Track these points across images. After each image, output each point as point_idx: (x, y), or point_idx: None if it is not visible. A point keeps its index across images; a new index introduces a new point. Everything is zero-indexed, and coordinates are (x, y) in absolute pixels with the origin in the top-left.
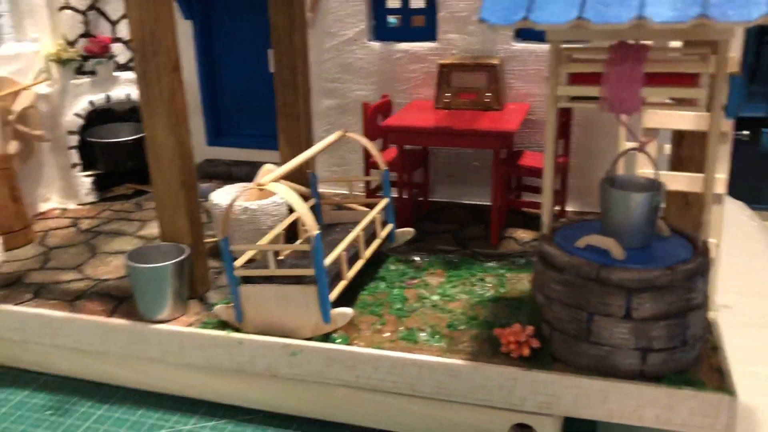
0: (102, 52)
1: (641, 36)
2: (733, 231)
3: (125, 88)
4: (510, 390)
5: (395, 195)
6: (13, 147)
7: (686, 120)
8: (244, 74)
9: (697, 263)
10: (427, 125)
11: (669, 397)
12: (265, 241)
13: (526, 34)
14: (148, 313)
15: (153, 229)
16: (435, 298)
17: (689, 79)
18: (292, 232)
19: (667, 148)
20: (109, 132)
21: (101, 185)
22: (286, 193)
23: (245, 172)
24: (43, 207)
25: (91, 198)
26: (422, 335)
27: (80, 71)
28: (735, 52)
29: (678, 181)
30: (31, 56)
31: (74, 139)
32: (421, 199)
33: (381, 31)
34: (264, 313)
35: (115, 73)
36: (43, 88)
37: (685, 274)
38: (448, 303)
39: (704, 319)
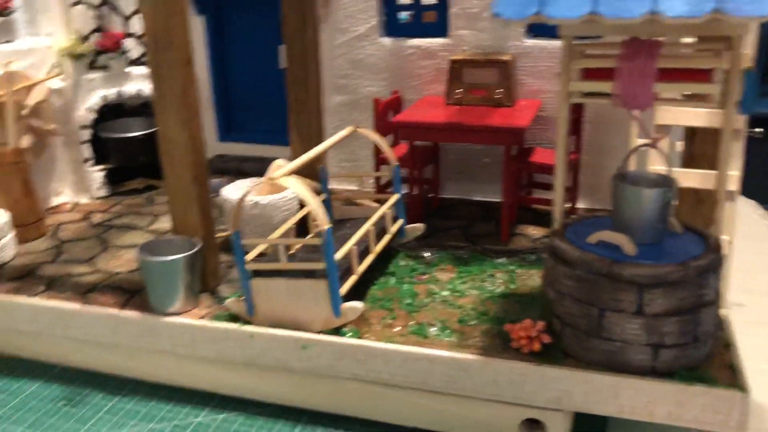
0: (114, 47)
1: (654, 31)
2: (745, 229)
3: (137, 83)
4: (520, 385)
5: (405, 191)
6: (26, 141)
7: (699, 116)
8: (255, 70)
9: (709, 259)
10: (437, 121)
11: (680, 393)
12: (276, 235)
13: (537, 29)
14: (160, 306)
15: (164, 223)
16: (445, 293)
17: (702, 75)
18: (302, 227)
19: (679, 144)
20: (121, 127)
21: (113, 180)
22: (298, 187)
23: (256, 168)
24: (56, 201)
25: (103, 192)
26: (433, 330)
27: (93, 66)
28: (749, 47)
29: (690, 178)
30: (45, 51)
31: (86, 134)
32: (431, 195)
33: (392, 27)
34: (275, 307)
35: (128, 68)
36: (56, 83)
37: (697, 270)
38: (458, 298)
39: (716, 315)
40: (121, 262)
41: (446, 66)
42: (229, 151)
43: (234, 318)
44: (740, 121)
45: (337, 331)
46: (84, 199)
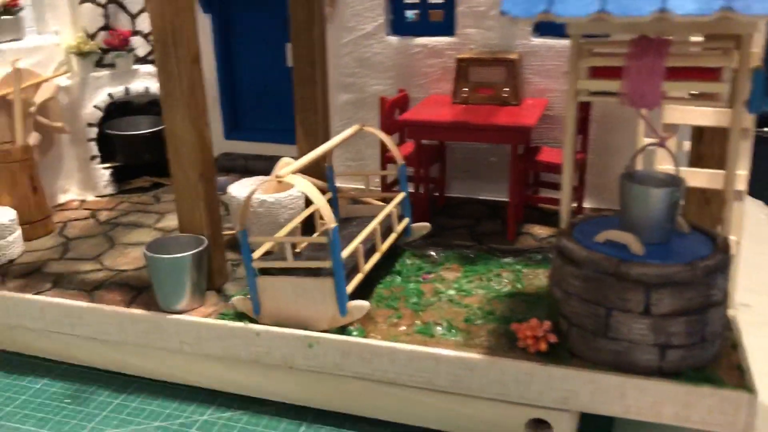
0: (122, 44)
1: (663, 29)
2: (751, 230)
3: (144, 80)
4: (526, 385)
5: (411, 190)
6: (33, 138)
7: (707, 115)
8: (262, 68)
9: (717, 259)
10: (444, 120)
11: (687, 394)
12: (282, 233)
13: (544, 28)
14: (167, 303)
15: (171, 221)
16: (451, 292)
17: (711, 74)
18: (308, 225)
19: (687, 144)
20: (128, 124)
21: (120, 177)
22: (304, 186)
23: (262, 166)
24: (63, 198)
25: (109, 190)
26: (439, 329)
27: (100, 64)
28: (758, 46)
29: (698, 178)
30: (52, 48)
31: (93, 132)
32: (437, 194)
33: (399, 26)
34: (281, 305)
35: (135, 66)
36: (64, 81)
37: (705, 270)
38: (464, 298)
39: (724, 316)
40: (128, 259)
41: (453, 64)
42: (235, 149)
43: (240, 316)
44: (749, 120)
45: (342, 329)
46: (90, 197)
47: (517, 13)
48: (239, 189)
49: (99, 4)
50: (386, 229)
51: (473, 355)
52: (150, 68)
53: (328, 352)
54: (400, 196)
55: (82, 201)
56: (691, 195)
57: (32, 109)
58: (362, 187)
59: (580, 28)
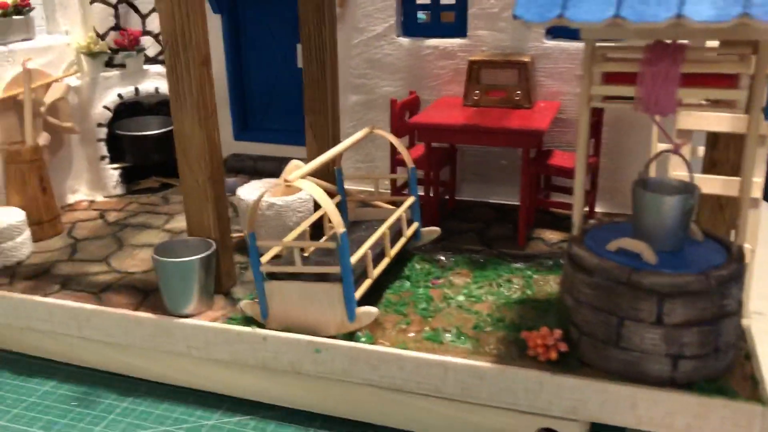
0: (131, 45)
1: (679, 35)
2: (766, 236)
3: (154, 81)
4: (536, 394)
5: (421, 193)
6: (43, 139)
7: (722, 122)
8: (271, 69)
9: (731, 269)
10: (455, 122)
11: (700, 405)
12: (291, 237)
13: (557, 31)
14: (174, 307)
15: (179, 222)
16: (460, 298)
17: (727, 80)
18: (317, 229)
19: (701, 149)
20: (138, 125)
21: (129, 178)
22: (313, 190)
23: (271, 167)
24: (72, 198)
25: (118, 190)
26: (448, 336)
27: (110, 64)
28: None
29: (712, 185)
30: (62, 48)
31: (103, 132)
32: (447, 197)
33: (410, 27)
34: (289, 310)
35: (145, 67)
36: (74, 81)
37: (719, 280)
38: (474, 304)
39: (737, 326)
40: (136, 261)
41: (464, 66)
42: (244, 151)
43: (248, 320)
44: (765, 126)
45: (351, 335)
46: (100, 197)
47: (530, 17)
48: (248, 192)
49: (109, 4)
50: (395, 233)
51: (482, 364)
52: (160, 68)
53: (335, 358)
54: (410, 200)
55: (91, 201)
56: (705, 201)
57: (42, 109)
58: (372, 189)
59: (595, 33)
